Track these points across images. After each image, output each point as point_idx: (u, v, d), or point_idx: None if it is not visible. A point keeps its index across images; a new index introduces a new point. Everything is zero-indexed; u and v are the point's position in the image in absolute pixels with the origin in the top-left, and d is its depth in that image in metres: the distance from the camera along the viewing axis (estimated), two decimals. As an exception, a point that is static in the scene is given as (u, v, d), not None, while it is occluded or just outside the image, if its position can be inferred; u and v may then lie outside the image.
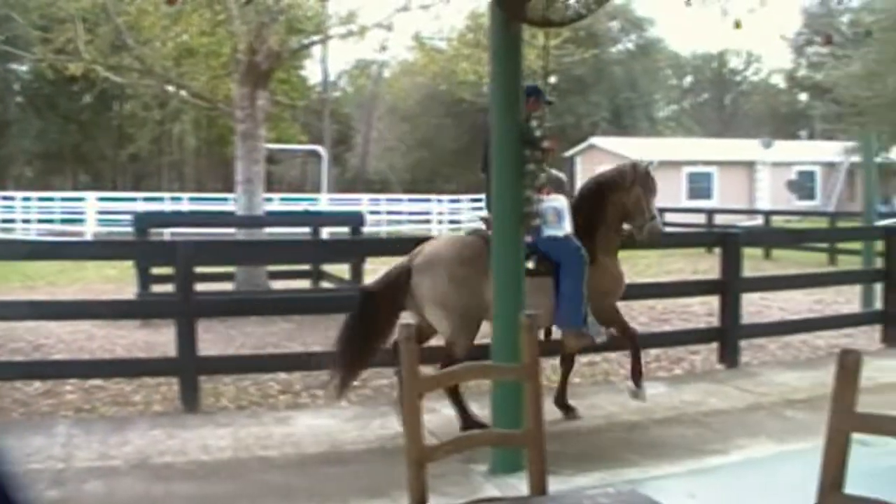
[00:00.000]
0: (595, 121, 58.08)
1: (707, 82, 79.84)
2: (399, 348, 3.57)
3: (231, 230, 19.73)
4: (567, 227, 7.52)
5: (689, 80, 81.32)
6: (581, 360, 11.42)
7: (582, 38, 34.55)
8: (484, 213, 8.32)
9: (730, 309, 11.22)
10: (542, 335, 8.82)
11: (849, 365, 3.20)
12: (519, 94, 6.90)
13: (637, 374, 8.61)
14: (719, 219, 33.47)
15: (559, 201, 7.43)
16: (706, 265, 24.30)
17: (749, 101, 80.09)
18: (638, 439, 7.95)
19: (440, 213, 42.66)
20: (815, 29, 64.81)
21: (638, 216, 8.64)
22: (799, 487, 6.80)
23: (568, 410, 8.69)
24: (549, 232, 7.40)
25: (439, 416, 8.23)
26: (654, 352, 11.82)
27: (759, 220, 35.89)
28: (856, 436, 7.85)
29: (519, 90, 6.90)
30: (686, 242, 19.26)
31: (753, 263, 21.72)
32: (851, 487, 6.48)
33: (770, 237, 19.67)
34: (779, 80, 79.94)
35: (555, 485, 3.89)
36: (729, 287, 11.25)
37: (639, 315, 15.31)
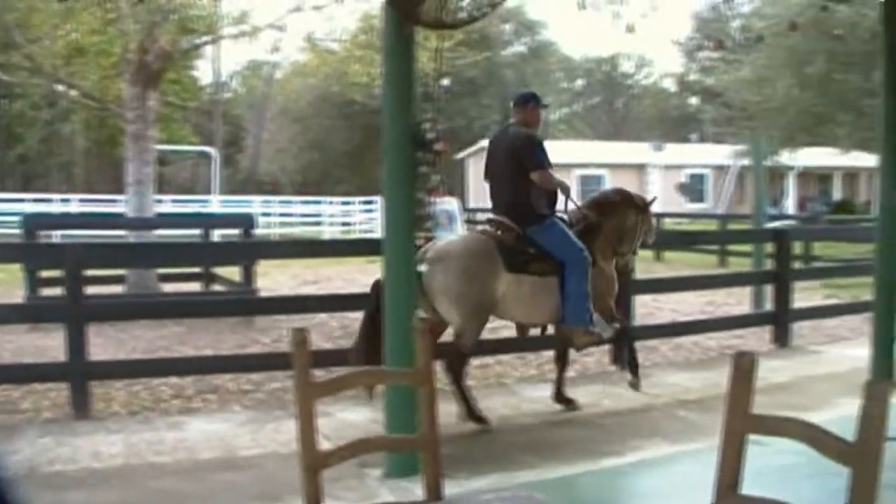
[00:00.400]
0: (486, 123, 58.18)
1: (599, 85, 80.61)
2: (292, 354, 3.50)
3: (121, 232, 19.42)
4: (459, 230, 7.52)
5: (580, 83, 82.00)
6: (474, 362, 11.44)
7: (475, 41, 34.66)
8: (491, 215, 8.72)
9: (623, 311, 11.28)
10: (538, 331, 9.54)
11: (743, 367, 3.20)
12: (412, 96, 6.85)
13: (634, 366, 9.38)
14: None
15: (451, 204, 7.43)
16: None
17: (640, 104, 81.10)
18: (533, 441, 7.95)
19: (332, 216, 42.44)
20: (706, 34, 65.99)
21: (627, 242, 9.33)
22: (694, 487, 6.86)
23: (568, 403, 9.16)
24: (440, 234, 7.39)
25: (334, 419, 8.17)
26: (546, 353, 11.87)
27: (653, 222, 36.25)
28: (754, 436, 7.95)
29: (412, 91, 6.85)
30: None
31: (645, 265, 21.98)
32: (745, 487, 6.55)
33: (662, 239, 19.84)
34: (670, 84, 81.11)
35: (450, 488, 3.86)
36: (622, 289, 11.30)
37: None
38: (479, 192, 47.61)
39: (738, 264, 24.33)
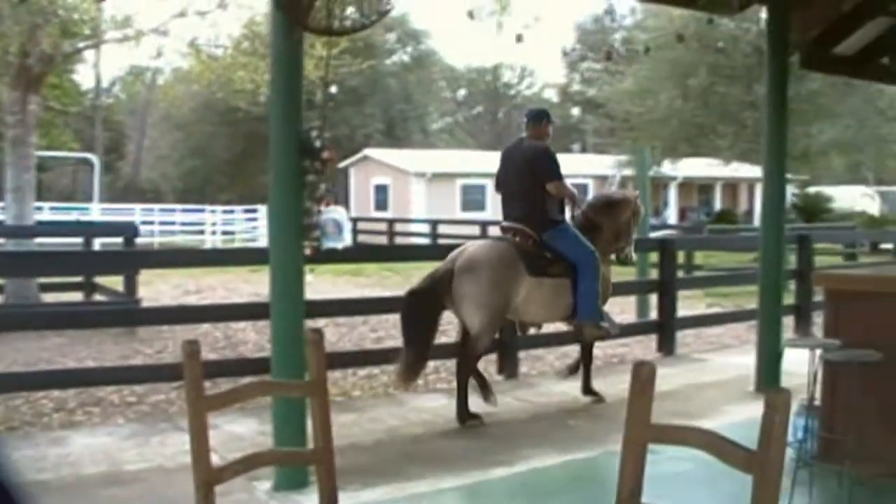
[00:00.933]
0: (369, 132, 58.08)
1: (481, 95, 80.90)
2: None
3: None
4: (347, 239, 7.41)
5: (462, 92, 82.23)
6: (359, 373, 11.37)
7: (359, 49, 34.53)
8: (505, 223, 9.38)
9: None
10: (535, 329, 10.51)
11: (643, 376, 3.17)
12: (299, 103, 6.74)
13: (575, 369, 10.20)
14: (493, 230, 33.84)
15: (339, 213, 7.31)
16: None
17: (522, 114, 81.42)
18: (422, 452, 7.88)
19: (213, 224, 41.87)
20: (589, 45, 66.73)
21: (623, 238, 10.10)
22: (583, 496, 6.93)
23: (596, 395, 9.86)
24: (328, 244, 7.25)
25: (221, 432, 7.99)
26: (432, 363, 11.81)
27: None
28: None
29: (299, 98, 6.75)
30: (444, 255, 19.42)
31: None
32: (643, 495, 6.56)
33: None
34: (552, 95, 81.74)
35: (342, 501, 3.77)
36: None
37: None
38: (363, 202, 47.48)
39: (622, 273, 24.55)
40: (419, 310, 8.90)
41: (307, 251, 6.98)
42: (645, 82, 31.88)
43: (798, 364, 10.62)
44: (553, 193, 9.11)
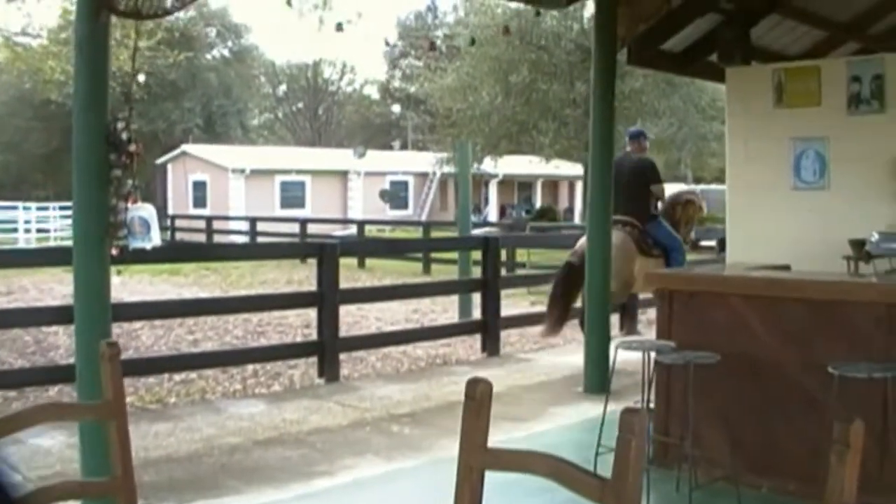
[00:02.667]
0: (188, 127, 56.78)
1: (301, 91, 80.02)
2: None
3: None
4: (155, 238, 6.88)
5: (282, 88, 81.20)
6: (175, 378, 10.82)
7: (177, 41, 33.68)
8: (619, 217, 11.02)
9: (328, 321, 10.90)
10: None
11: (478, 395, 2.81)
12: (105, 92, 6.20)
13: None
14: (313, 228, 33.49)
15: (146, 210, 6.78)
16: (301, 275, 24.17)
17: (343, 111, 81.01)
18: (240, 463, 7.41)
19: (27, 222, 40.21)
20: (411, 42, 66.61)
21: (688, 227, 13.15)
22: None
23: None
24: (136, 244, 6.72)
25: (25, 447, 7.39)
26: (251, 367, 11.39)
27: (352, 230, 36.20)
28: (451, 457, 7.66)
29: (105, 86, 6.21)
30: (282, 253, 19.08)
31: (349, 273, 21.75)
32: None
33: (368, 247, 19.72)
34: (372, 91, 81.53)
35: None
36: (327, 299, 10.93)
37: (234, 329, 14.84)
38: (180, 199, 46.39)
39: (441, 271, 24.45)
40: (572, 277, 11.48)
41: (113, 251, 6.45)
42: (467, 78, 31.82)
43: (626, 363, 10.59)
44: (655, 194, 12.04)
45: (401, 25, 71.36)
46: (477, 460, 2.79)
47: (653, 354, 6.52)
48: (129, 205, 6.47)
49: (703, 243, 27.81)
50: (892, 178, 9.02)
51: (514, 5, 29.84)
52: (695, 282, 7.27)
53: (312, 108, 79.30)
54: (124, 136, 6.24)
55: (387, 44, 30.44)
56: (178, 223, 38.09)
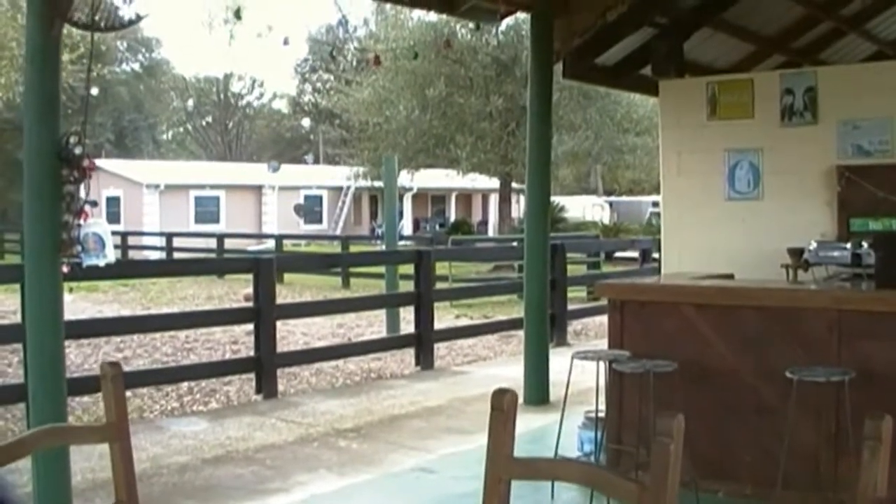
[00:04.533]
0: (99, 142, 56.00)
1: (211, 105, 79.30)
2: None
3: None
4: (110, 255, 6.79)
5: (191, 102, 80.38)
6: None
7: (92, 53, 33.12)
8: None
9: (266, 337, 10.83)
10: None
11: (504, 406, 2.82)
12: (57, 106, 6.10)
13: None
14: (229, 243, 33.23)
15: (100, 226, 6.69)
16: (220, 291, 24.00)
17: (253, 125, 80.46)
18: (191, 483, 7.33)
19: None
20: (321, 56, 66.27)
21: None
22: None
23: None
24: (89, 261, 6.63)
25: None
26: (185, 385, 11.26)
27: (268, 244, 35.98)
28: (419, 464, 7.68)
29: (57, 100, 6.11)
30: (223, 269, 19.07)
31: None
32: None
33: (301, 262, 19.67)
34: (281, 105, 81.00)
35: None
36: (265, 315, 10.86)
37: (162, 346, 14.67)
38: (94, 215, 45.58)
39: (361, 285, 24.44)
40: None
41: (64, 268, 6.35)
42: (383, 92, 31.77)
43: (562, 374, 10.66)
44: None
45: (311, 39, 70.98)
46: (505, 470, 2.80)
47: (602, 364, 6.62)
48: (82, 221, 6.39)
49: (620, 254, 28.16)
50: (825, 187, 9.22)
51: (427, 19, 30.08)
52: (647, 291, 7.36)
53: (223, 122, 78.67)
54: (77, 150, 6.15)
55: (286, 42, 30.03)
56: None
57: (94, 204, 6.44)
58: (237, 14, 25.23)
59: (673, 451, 2.44)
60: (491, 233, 45.53)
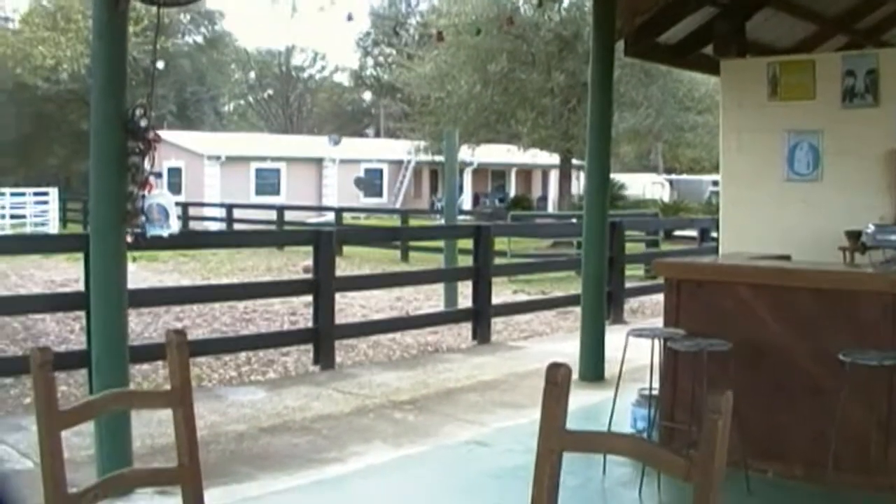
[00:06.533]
0: (162, 114, 56.45)
1: (272, 78, 79.72)
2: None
3: None
4: (173, 226, 6.93)
5: (253, 75, 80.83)
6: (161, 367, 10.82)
7: (152, 27, 33.43)
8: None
9: (325, 309, 10.96)
10: None
11: (559, 380, 2.89)
12: (124, 79, 6.24)
13: None
14: (289, 215, 33.47)
15: (164, 197, 6.83)
16: (279, 262, 24.19)
17: (315, 98, 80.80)
18: (248, 450, 7.46)
19: (2, 208, 39.74)
20: (383, 30, 66.49)
21: None
22: (427, 494, 6.66)
23: None
24: (153, 231, 6.77)
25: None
26: (243, 355, 11.42)
27: (327, 217, 36.17)
28: (473, 437, 7.77)
29: (124, 73, 6.24)
30: (282, 241, 19.28)
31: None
32: (480, 487, 6.31)
33: (361, 235, 19.82)
34: (343, 79, 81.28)
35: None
36: (324, 287, 10.99)
37: (221, 315, 14.86)
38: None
39: (419, 259, 24.55)
40: None
41: (128, 238, 6.49)
42: (445, 67, 31.85)
43: (618, 351, 10.70)
44: None
45: (373, 14, 71.18)
46: (557, 442, 2.87)
47: (658, 341, 6.67)
48: (147, 192, 6.52)
49: (678, 233, 28.09)
50: (885, 170, 9.16)
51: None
52: (703, 271, 7.38)
53: (284, 94, 79.04)
54: (143, 123, 6.29)
55: (349, 18, 30.16)
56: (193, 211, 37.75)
57: (159, 175, 6.60)
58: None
59: (721, 427, 2.51)
60: (550, 209, 45.54)
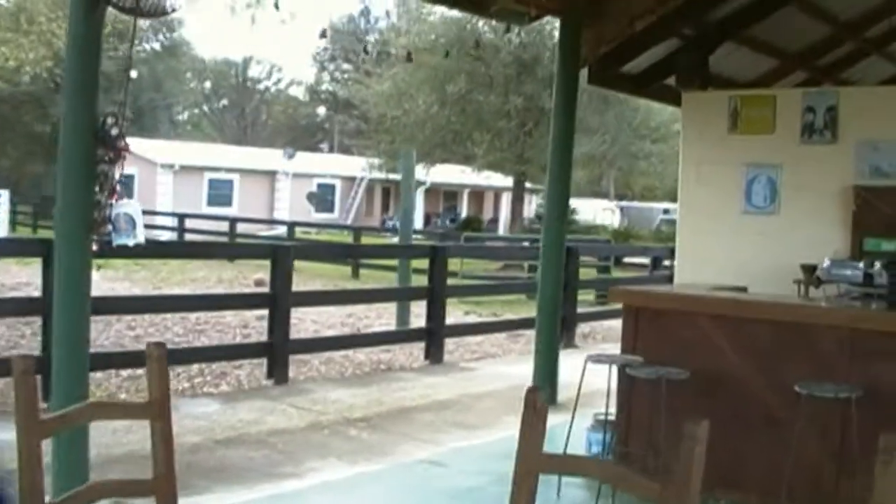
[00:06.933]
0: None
1: (229, 88, 79.48)
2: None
3: None
4: (140, 236, 6.91)
5: (208, 84, 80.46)
6: (122, 373, 10.79)
7: (111, 33, 33.20)
8: None
9: (281, 323, 10.97)
10: None
11: (536, 403, 2.93)
12: (96, 87, 6.23)
13: None
14: (241, 227, 33.37)
15: (132, 207, 6.81)
16: (229, 274, 24.11)
17: (270, 110, 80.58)
18: (205, 463, 7.46)
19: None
20: (342, 45, 66.47)
21: None
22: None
23: None
24: (119, 241, 6.75)
25: None
26: (196, 366, 11.37)
27: (278, 230, 36.07)
28: (429, 456, 7.80)
29: (96, 81, 6.23)
30: (238, 254, 19.25)
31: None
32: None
33: (318, 251, 19.82)
34: (298, 92, 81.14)
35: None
36: (280, 301, 10.99)
37: (173, 326, 14.78)
38: (106, 191, 45.59)
39: (369, 277, 24.58)
40: None
41: (93, 246, 6.47)
42: (403, 85, 31.91)
43: (569, 376, 10.79)
44: None
45: (332, 28, 71.04)
46: (536, 465, 2.92)
47: (615, 367, 6.76)
48: (114, 201, 6.51)
49: (628, 260, 28.29)
50: (841, 206, 9.31)
51: (450, 15, 30.15)
52: (662, 299, 7.47)
53: (239, 105, 78.80)
54: (114, 131, 6.28)
55: (323, 35, 30.10)
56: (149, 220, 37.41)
57: (124, 184, 6.57)
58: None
59: (698, 454, 2.59)
60: (501, 231, 45.65)
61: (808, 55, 12.08)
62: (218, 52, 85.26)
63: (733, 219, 9.84)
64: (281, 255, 11.11)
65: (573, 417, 7.03)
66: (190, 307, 13.40)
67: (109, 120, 6.29)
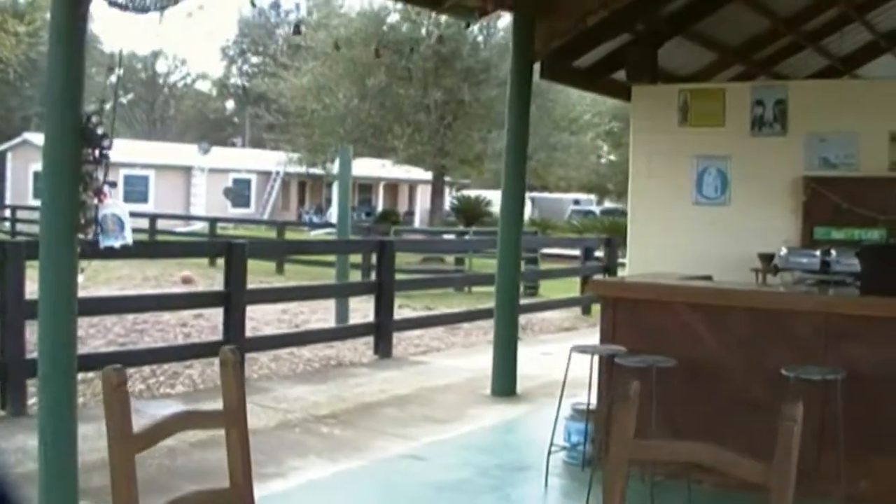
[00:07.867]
0: (28, 115, 55.13)
1: (137, 83, 78.43)
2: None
3: None
4: (128, 237, 6.88)
5: (114, 78, 79.00)
6: (88, 375, 10.63)
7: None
8: None
9: (236, 321, 10.92)
10: None
11: (631, 394, 3.04)
12: (81, 86, 6.17)
13: None
14: (161, 224, 33.02)
15: (119, 208, 6.78)
16: (153, 272, 23.89)
17: (179, 104, 79.71)
18: (185, 466, 7.41)
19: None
20: (253, 39, 66.00)
21: None
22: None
23: None
24: (107, 242, 6.71)
25: None
26: (147, 368, 11.24)
27: (198, 226, 35.76)
28: (407, 451, 7.87)
29: (82, 79, 6.18)
30: (190, 252, 19.21)
31: (202, 270, 21.85)
32: (428, 501, 6.42)
33: (269, 249, 19.78)
34: (205, 87, 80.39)
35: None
36: (234, 299, 10.95)
37: (113, 326, 14.61)
38: (20, 190, 44.98)
39: (296, 272, 24.49)
40: None
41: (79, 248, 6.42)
42: (322, 79, 31.85)
43: (528, 366, 10.93)
44: None
45: (242, 22, 70.56)
46: (629, 451, 3.01)
47: (596, 357, 6.91)
48: (100, 201, 6.47)
49: (547, 251, 28.44)
50: (791, 196, 9.57)
51: (366, 8, 30.18)
52: (640, 290, 7.61)
53: (147, 100, 77.84)
54: (99, 131, 6.24)
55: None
56: (20, 214, 36.68)
57: (113, 185, 6.54)
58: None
59: (796, 433, 2.71)
60: (417, 224, 45.75)
61: (747, 49, 12.36)
62: (126, 46, 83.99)
63: (685, 210, 10.05)
64: (235, 252, 11.06)
65: (559, 406, 7.15)
66: (146, 307, 13.14)
67: (94, 119, 6.25)
